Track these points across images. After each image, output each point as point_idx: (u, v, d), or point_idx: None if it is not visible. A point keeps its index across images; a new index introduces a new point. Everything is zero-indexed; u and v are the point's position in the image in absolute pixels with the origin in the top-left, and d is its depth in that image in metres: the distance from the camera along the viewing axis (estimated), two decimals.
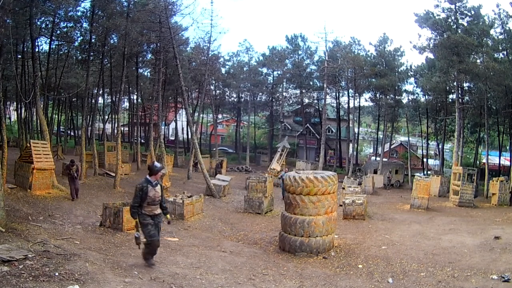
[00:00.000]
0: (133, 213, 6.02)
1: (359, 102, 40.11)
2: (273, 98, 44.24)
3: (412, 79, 35.63)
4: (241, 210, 15.72)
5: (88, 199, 13.60)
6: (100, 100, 36.69)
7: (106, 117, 45.37)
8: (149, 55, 30.02)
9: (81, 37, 22.34)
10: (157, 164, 6.20)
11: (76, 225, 9.71)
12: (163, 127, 36.14)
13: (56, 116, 36.08)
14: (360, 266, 7.95)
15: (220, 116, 49.83)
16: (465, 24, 23.92)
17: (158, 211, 6.18)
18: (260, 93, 43.76)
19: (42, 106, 20.76)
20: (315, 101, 44.29)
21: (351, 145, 37.83)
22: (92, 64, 23.20)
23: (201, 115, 35.49)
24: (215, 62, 34.26)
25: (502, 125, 31.58)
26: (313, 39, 69.06)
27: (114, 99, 33.44)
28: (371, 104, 41.20)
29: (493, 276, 6.80)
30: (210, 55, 29.43)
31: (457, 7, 23.53)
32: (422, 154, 40.02)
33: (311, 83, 41.99)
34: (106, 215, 10.02)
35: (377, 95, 36.94)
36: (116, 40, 22.54)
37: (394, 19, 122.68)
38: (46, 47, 24.12)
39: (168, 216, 6.44)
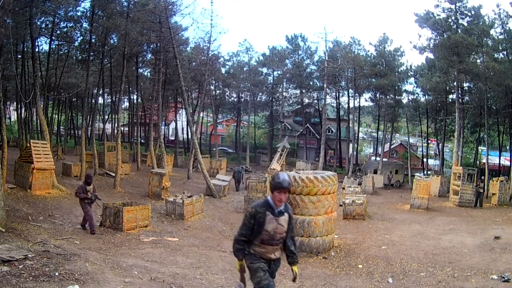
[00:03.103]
0: (237, 251, 3.67)
1: (359, 102, 40.14)
2: (273, 98, 44.23)
3: (412, 79, 35.67)
4: (241, 210, 15.72)
5: None
6: (100, 100, 36.75)
7: (106, 117, 45.35)
8: (149, 55, 30.05)
9: (81, 37, 22.36)
10: (284, 176, 3.53)
11: (76, 225, 9.71)
12: (163, 127, 36.14)
13: (56, 116, 36.07)
14: (360, 266, 7.94)
15: (220, 116, 49.83)
16: (465, 24, 23.90)
17: (278, 254, 3.74)
18: (260, 93, 43.75)
19: (42, 106, 20.77)
20: (315, 101, 44.28)
21: (351, 145, 37.82)
22: (92, 64, 23.19)
23: (201, 115, 35.50)
24: (215, 62, 34.24)
25: (502, 125, 31.55)
26: (313, 39, 69.13)
27: (114, 99, 33.43)
28: (371, 104, 41.18)
29: (493, 276, 6.79)
30: (210, 55, 29.43)
31: (457, 7, 23.51)
32: (422, 154, 40.02)
33: (311, 83, 41.98)
34: (106, 215, 10.03)
35: (377, 95, 36.94)
36: (116, 40, 22.55)
37: (394, 19, 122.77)
38: (46, 47, 24.16)
39: (296, 268, 3.77)
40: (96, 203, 9.98)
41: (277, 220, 3.55)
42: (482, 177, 20.19)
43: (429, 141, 39.47)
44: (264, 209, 3.53)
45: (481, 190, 18.63)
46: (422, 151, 40.36)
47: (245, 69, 41.04)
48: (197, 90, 37.78)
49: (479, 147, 35.05)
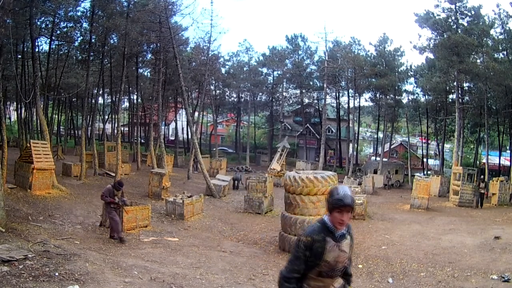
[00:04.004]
0: None
1: (359, 102, 40.13)
2: (273, 98, 44.24)
3: (412, 79, 35.66)
4: (241, 210, 15.73)
5: (88, 199, 13.61)
6: (100, 100, 36.74)
7: (106, 117, 45.36)
8: (149, 55, 30.05)
9: (81, 37, 22.35)
10: (345, 191, 2.67)
11: (76, 225, 9.71)
12: (163, 127, 36.14)
13: (56, 116, 36.08)
14: (360, 266, 7.94)
15: (220, 116, 49.86)
16: (465, 24, 23.89)
17: (337, 285, 3.05)
18: (260, 93, 43.76)
19: (42, 106, 20.76)
20: (315, 101, 44.28)
21: (351, 145, 37.82)
22: (92, 64, 23.19)
23: (201, 115, 35.50)
24: (215, 62, 34.23)
25: (502, 125, 31.55)
26: (313, 39, 69.09)
27: (114, 99, 33.43)
28: (371, 104, 41.19)
29: (493, 276, 6.79)
30: (210, 55, 29.41)
31: (457, 7, 23.50)
32: (422, 154, 40.02)
33: (311, 83, 41.99)
34: (106, 215, 10.02)
35: (377, 95, 36.94)
36: (116, 40, 22.54)
37: (394, 19, 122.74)
38: (46, 47, 24.16)
39: None
40: (123, 210, 9.35)
41: (339, 247, 2.72)
42: (482, 177, 20.03)
43: (421, 140, 39.45)
44: (323, 236, 2.67)
45: (482, 191, 18.55)
46: (422, 151, 40.38)
47: (245, 69, 41.05)
48: (197, 90, 37.78)
49: (479, 147, 35.07)
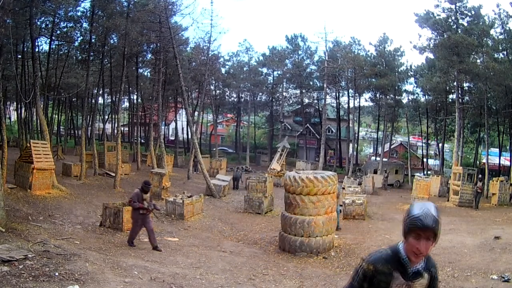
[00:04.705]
0: None
1: (359, 102, 40.16)
2: (273, 98, 44.24)
3: (412, 79, 35.67)
4: (241, 210, 15.73)
5: (88, 199, 13.61)
6: (100, 100, 36.74)
7: (106, 117, 45.36)
8: (149, 55, 30.05)
9: (81, 37, 22.35)
10: (427, 208, 1.89)
11: (76, 225, 9.71)
12: (163, 127, 36.14)
13: (56, 116, 36.09)
14: None
15: (220, 116, 49.86)
16: (465, 24, 23.89)
17: None
18: (260, 93, 43.76)
19: (42, 106, 20.76)
20: (315, 101, 44.28)
21: (351, 145, 37.83)
22: (92, 64, 23.19)
23: (201, 115, 35.50)
24: (215, 62, 34.24)
25: (502, 125, 31.54)
26: (313, 39, 69.06)
27: (114, 99, 33.44)
28: (371, 104, 41.20)
29: (493, 276, 6.79)
30: (210, 55, 29.41)
31: (457, 7, 23.50)
32: (422, 154, 40.03)
33: (311, 83, 41.99)
34: (106, 215, 10.02)
35: (377, 95, 36.94)
36: (116, 40, 22.53)
37: (394, 19, 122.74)
38: (46, 47, 24.16)
39: None
40: (154, 214, 8.50)
41: (409, 287, 2.03)
42: (480, 176, 19.80)
43: (414, 139, 39.49)
44: (389, 268, 1.99)
45: (479, 191, 18.29)
46: (422, 151, 40.38)
47: (245, 69, 41.04)
48: (197, 90, 37.79)
49: (479, 147, 35.07)
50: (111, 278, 5.37)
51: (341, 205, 13.42)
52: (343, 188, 18.90)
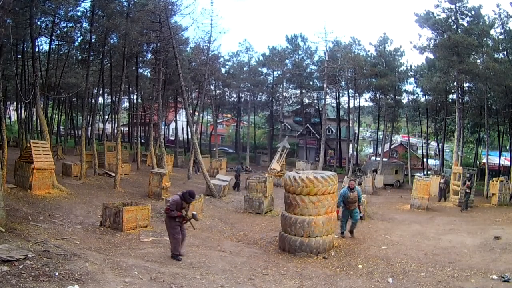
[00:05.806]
0: None
1: (359, 102, 40.16)
2: (273, 98, 44.24)
3: (412, 79, 35.64)
4: (241, 210, 15.73)
5: (88, 199, 13.61)
6: (100, 100, 36.75)
7: (106, 117, 45.37)
8: (149, 55, 30.04)
9: (81, 37, 22.36)
10: None
11: (76, 225, 9.72)
12: (163, 127, 36.14)
13: (56, 116, 36.10)
14: (360, 266, 7.94)
15: (220, 116, 49.87)
16: (465, 24, 23.86)
17: None
18: (260, 93, 43.76)
19: (42, 106, 20.76)
20: (315, 101, 44.28)
21: (351, 145, 37.82)
22: (92, 64, 23.19)
23: (201, 115, 35.50)
24: (215, 62, 34.24)
25: (502, 125, 31.55)
26: (313, 39, 69.21)
27: (114, 99, 33.45)
28: (371, 104, 41.19)
29: (493, 276, 6.79)
30: (210, 55, 29.42)
31: (457, 7, 23.48)
32: (422, 154, 40.02)
33: (311, 83, 41.98)
34: (106, 215, 10.03)
35: (377, 95, 36.93)
36: (116, 40, 22.54)
37: (394, 19, 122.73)
38: (46, 47, 24.18)
39: None
40: (191, 224, 8.12)
41: None
42: (468, 175, 18.94)
43: (406, 138, 39.48)
44: None
45: (468, 191, 17.67)
46: (422, 151, 40.37)
47: (245, 69, 41.04)
48: (197, 90, 37.80)
49: (479, 147, 35.07)
50: (111, 278, 5.37)
51: (362, 214, 11.13)
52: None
